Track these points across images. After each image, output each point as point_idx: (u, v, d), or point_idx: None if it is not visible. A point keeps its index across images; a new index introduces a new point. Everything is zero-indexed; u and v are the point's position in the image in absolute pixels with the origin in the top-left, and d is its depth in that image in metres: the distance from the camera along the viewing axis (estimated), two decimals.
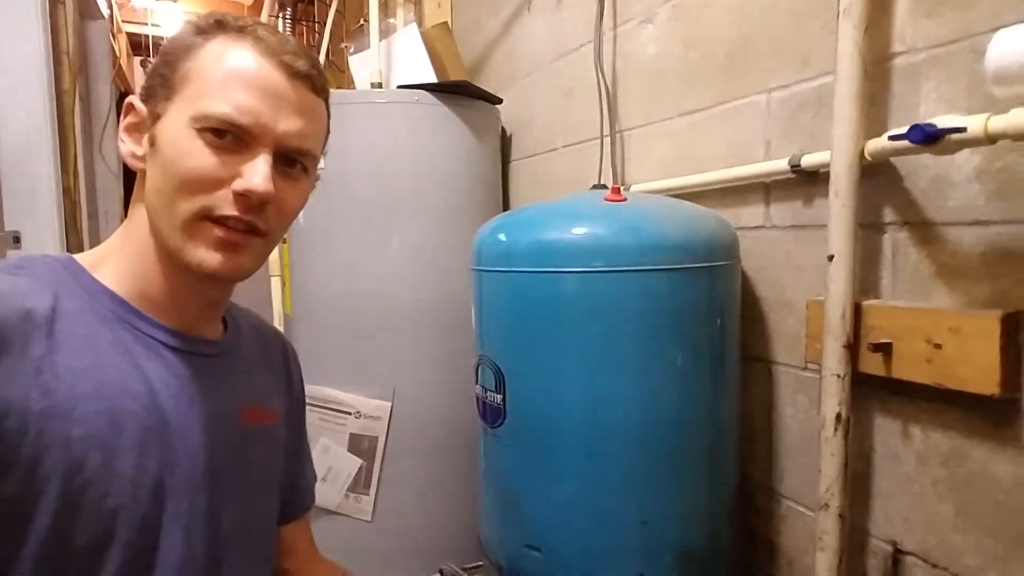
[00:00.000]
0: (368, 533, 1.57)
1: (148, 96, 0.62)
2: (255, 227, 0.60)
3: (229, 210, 0.58)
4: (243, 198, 0.58)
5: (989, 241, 0.77)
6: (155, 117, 0.61)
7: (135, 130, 0.63)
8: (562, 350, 0.98)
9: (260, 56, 0.60)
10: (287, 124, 0.60)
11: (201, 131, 0.58)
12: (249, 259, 0.62)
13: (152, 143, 0.60)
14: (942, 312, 0.79)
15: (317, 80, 0.63)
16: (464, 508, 1.50)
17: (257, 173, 0.58)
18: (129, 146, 0.63)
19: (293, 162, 0.63)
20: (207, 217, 0.58)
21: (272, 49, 0.60)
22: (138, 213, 0.63)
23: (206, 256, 0.59)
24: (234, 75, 0.59)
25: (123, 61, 3.72)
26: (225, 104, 0.57)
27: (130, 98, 0.64)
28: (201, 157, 0.57)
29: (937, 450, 0.84)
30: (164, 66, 0.61)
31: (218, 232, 0.59)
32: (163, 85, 0.61)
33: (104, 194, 2.83)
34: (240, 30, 0.61)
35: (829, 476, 0.89)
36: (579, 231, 0.98)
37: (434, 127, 1.61)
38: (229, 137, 0.58)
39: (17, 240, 1.90)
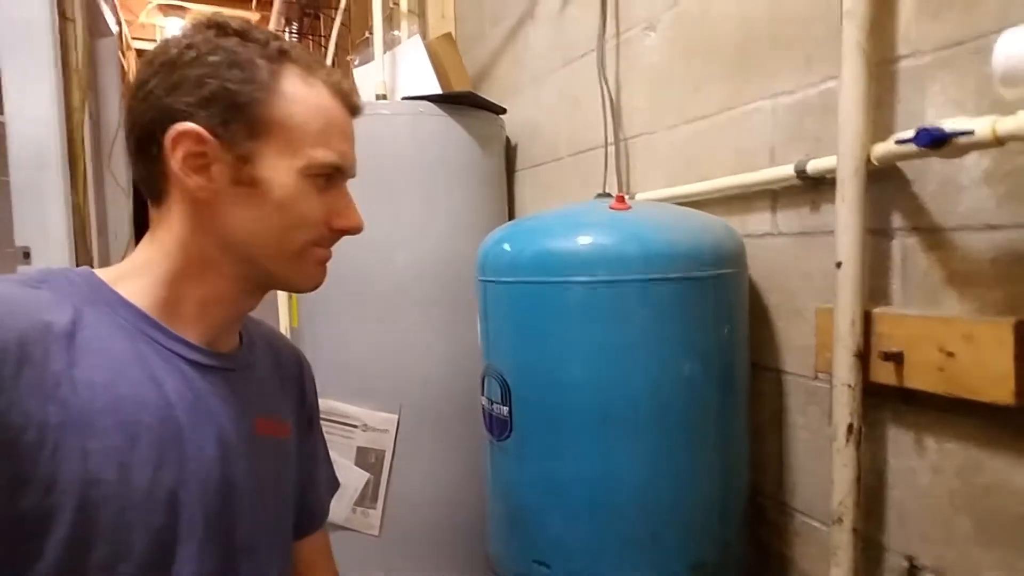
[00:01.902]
0: (376, 547, 1.56)
1: (219, 128, 0.59)
2: None
3: (328, 239, 0.67)
4: (341, 233, 0.68)
5: (1000, 246, 0.75)
6: (241, 156, 0.60)
7: (201, 159, 0.60)
8: (568, 361, 0.96)
9: (337, 99, 0.65)
10: (353, 157, 0.68)
11: (310, 177, 0.63)
12: None
13: (251, 183, 0.61)
14: (954, 320, 0.77)
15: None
16: (472, 522, 1.49)
17: (355, 212, 0.68)
18: (197, 180, 0.60)
19: None
20: (314, 246, 0.66)
21: (343, 91, 0.66)
22: (190, 237, 0.62)
23: (313, 274, 0.68)
24: (330, 124, 0.64)
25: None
26: (332, 154, 0.64)
27: (186, 126, 0.59)
28: (312, 201, 0.64)
29: (952, 461, 0.82)
30: (235, 96, 0.59)
31: (323, 254, 0.68)
32: (240, 120, 0.59)
33: (113, 210, 2.85)
34: (307, 67, 0.64)
35: (842, 489, 0.87)
36: (584, 240, 0.97)
37: (439, 138, 1.60)
38: (326, 178, 0.65)
39: (27, 256, 1.91)
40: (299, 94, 0.62)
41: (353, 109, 0.67)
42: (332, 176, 0.65)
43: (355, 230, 0.68)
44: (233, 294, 0.66)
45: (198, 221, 0.63)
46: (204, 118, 0.59)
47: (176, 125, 0.59)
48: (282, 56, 0.62)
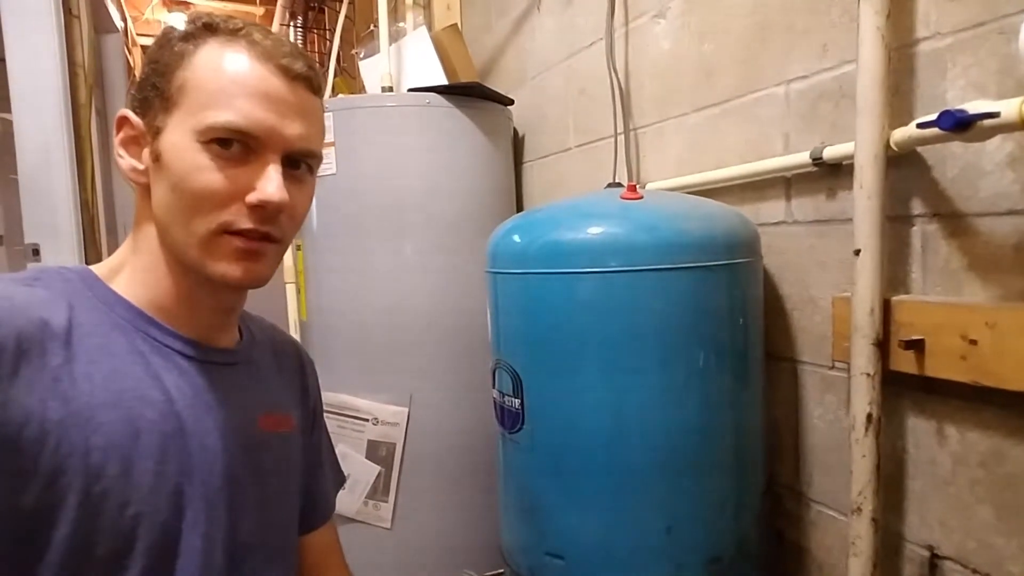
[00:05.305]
0: (387, 540, 1.56)
1: (143, 108, 0.61)
2: (270, 235, 0.60)
3: (246, 223, 0.58)
4: (259, 209, 0.58)
5: None
6: (155, 131, 0.60)
7: (133, 144, 0.62)
8: (580, 353, 0.95)
9: (257, 61, 0.59)
10: (291, 128, 0.59)
11: (207, 144, 0.57)
12: (267, 266, 0.62)
13: (156, 159, 0.59)
14: (977, 306, 0.75)
15: (314, 80, 0.63)
16: (484, 514, 1.49)
17: (271, 182, 0.58)
18: (128, 161, 0.62)
19: (298, 164, 0.62)
20: (225, 231, 0.58)
21: (268, 53, 0.59)
22: (145, 226, 0.63)
23: (228, 268, 0.59)
24: (234, 82, 0.58)
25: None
26: (229, 113, 0.57)
27: (123, 111, 0.62)
28: (211, 174, 0.57)
29: (974, 450, 0.80)
30: (157, 76, 0.60)
31: (237, 243, 0.59)
32: (159, 96, 0.59)
33: (122, 206, 2.85)
34: (232, 33, 0.60)
35: (861, 479, 0.85)
36: (595, 230, 0.96)
37: (446, 129, 1.59)
38: (235, 147, 0.58)
39: (36, 253, 1.91)
40: (209, 59, 0.58)
41: (286, 73, 0.59)
42: (245, 145, 0.58)
43: (265, 204, 0.57)
44: (198, 287, 0.63)
45: (145, 210, 0.63)
46: (136, 104, 0.61)
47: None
48: (205, 29, 0.60)
